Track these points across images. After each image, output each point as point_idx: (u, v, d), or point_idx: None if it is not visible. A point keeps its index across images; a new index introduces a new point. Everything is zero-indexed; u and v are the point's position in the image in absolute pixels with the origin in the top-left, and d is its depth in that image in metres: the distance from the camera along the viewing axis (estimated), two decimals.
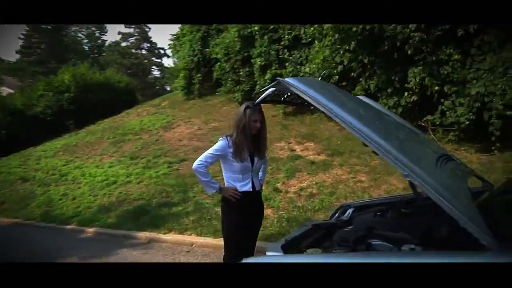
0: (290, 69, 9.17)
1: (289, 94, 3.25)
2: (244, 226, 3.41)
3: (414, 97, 6.81)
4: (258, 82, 10.46)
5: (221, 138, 3.38)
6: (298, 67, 8.97)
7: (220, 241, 5.45)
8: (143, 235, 6.06)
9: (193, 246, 5.60)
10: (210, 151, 3.34)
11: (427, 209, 3.31)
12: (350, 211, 3.63)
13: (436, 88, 6.43)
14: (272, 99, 3.49)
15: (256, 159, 3.43)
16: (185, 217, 6.20)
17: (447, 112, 6.46)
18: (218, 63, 12.10)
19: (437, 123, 6.90)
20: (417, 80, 6.49)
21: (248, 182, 3.42)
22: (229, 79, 11.87)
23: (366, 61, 7.22)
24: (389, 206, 3.49)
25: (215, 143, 3.35)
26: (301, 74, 8.95)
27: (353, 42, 6.86)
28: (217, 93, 13.23)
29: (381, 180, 6.40)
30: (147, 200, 7.13)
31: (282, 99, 3.35)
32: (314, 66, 8.15)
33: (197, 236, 5.73)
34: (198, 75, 13.57)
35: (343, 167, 7.02)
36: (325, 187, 6.47)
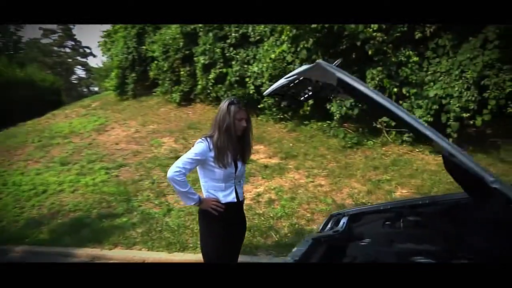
0: (237, 68, 8.65)
1: (314, 84, 2.64)
2: (228, 240, 2.87)
3: None
4: (199, 82, 9.83)
5: (200, 140, 2.79)
6: (245, 66, 8.48)
7: (175, 256, 4.85)
8: (84, 252, 5.19)
9: (144, 262, 4.90)
10: (188, 155, 2.73)
11: (435, 215, 2.98)
12: (344, 220, 3.21)
13: (395, 89, 6.26)
14: (277, 93, 2.93)
15: (239, 164, 2.88)
16: (131, 230, 5.43)
17: None
18: (155, 62, 11.28)
19: (393, 124, 6.76)
20: (376, 82, 6.29)
21: (231, 191, 2.88)
22: (167, 78, 11.10)
23: (321, 60, 6.90)
24: (391, 214, 3.11)
25: (193, 147, 2.76)
26: (249, 73, 8.49)
27: (311, 39, 6.50)
28: (153, 94, 12.36)
29: (342, 183, 6.10)
30: (85, 212, 6.22)
31: (291, 92, 2.79)
32: (265, 65, 7.71)
33: (148, 250, 5.01)
34: (133, 74, 12.58)
35: (299, 170, 6.65)
36: (284, 192, 6.03)
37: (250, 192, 6.17)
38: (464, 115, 5.92)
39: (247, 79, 8.36)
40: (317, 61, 1.91)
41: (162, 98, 11.96)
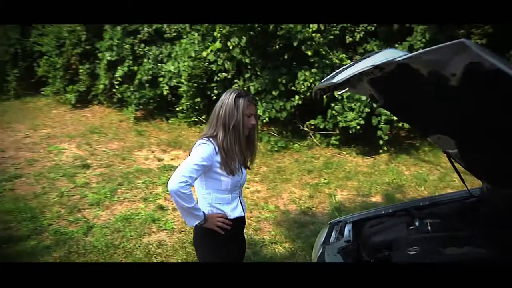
0: (149, 66, 7.74)
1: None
2: (233, 259, 2.33)
3: (300, 101, 6.34)
4: (101, 82, 8.65)
5: (202, 141, 2.13)
6: (159, 64, 7.62)
7: None
8: None
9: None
10: (193, 161, 2.05)
11: (450, 216, 2.72)
12: (348, 228, 2.76)
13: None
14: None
15: (243, 169, 2.27)
16: (46, 255, 4.29)
17: (338, 117, 6.16)
18: (46, 57, 9.71)
19: (321, 127, 6.58)
20: (309, 83, 6.03)
21: (237, 203, 2.30)
22: (59, 77, 9.63)
23: (247, 60, 6.43)
24: (402, 218, 2.75)
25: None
26: (163, 72, 7.66)
27: (244, 38, 5.98)
28: (41, 93, 10.63)
29: (279, 188, 5.68)
30: None
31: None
32: (185, 63, 6.98)
33: None
34: (15, 70, 10.66)
35: None
36: None
37: None
38: (394, 118, 5.97)
39: (160, 79, 7.52)
40: (462, 40, 1.36)
41: (53, 98, 10.34)
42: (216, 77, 6.90)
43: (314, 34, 5.70)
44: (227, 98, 2.18)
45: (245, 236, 4.39)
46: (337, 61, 5.95)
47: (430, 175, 6.01)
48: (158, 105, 7.74)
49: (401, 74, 1.88)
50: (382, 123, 6.00)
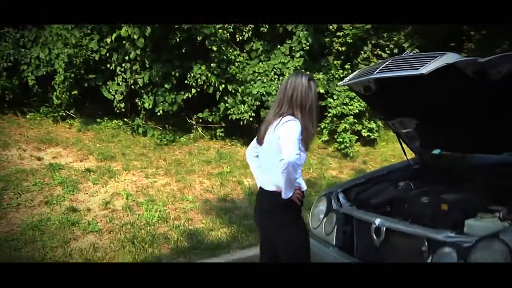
0: (9, 51, 6.31)
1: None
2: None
3: (191, 94, 6.31)
4: None
5: (291, 118, 2.20)
6: (22, 50, 6.36)
7: None
8: None
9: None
10: (296, 135, 2.18)
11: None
12: (342, 196, 3.11)
13: (222, 86, 6.21)
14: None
15: None
16: None
17: (231, 109, 6.36)
18: None
19: (210, 120, 6.69)
20: (204, 78, 6.05)
21: (301, 177, 2.39)
22: None
23: (138, 52, 6.03)
24: (390, 180, 3.24)
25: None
26: (27, 59, 6.37)
27: (149, 28, 5.55)
28: None
29: (187, 180, 5.59)
30: None
31: None
32: (63, 51, 6.06)
33: None
34: None
35: (131, 171, 5.63)
36: (135, 196, 5.03)
37: (89, 201, 4.82)
38: None
39: (24, 67, 6.32)
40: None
41: None
42: (98, 67, 6.23)
43: (220, 30, 5.78)
44: (301, 80, 2.26)
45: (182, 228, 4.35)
46: (232, 57, 6.17)
47: (311, 158, 6.85)
48: (14, 97, 6.46)
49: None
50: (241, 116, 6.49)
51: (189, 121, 6.81)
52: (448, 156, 3.53)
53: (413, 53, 2.61)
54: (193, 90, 6.13)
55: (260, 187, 2.39)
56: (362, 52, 7.61)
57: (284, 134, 2.13)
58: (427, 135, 3.40)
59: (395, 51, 7.51)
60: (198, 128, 6.86)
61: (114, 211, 4.67)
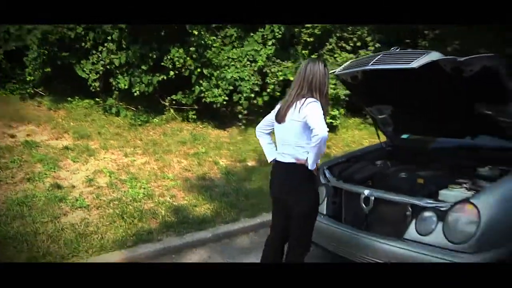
0: None
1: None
2: None
3: (167, 77, 6.40)
4: None
5: (313, 100, 2.47)
6: None
7: None
8: None
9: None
10: (321, 114, 2.42)
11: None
12: (328, 172, 3.47)
13: (198, 70, 6.35)
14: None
15: None
16: None
17: (206, 93, 6.52)
18: None
19: (183, 102, 6.82)
20: (182, 61, 6.16)
21: None
22: None
23: (116, 32, 6.01)
24: (361, 161, 3.63)
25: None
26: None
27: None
28: None
29: (165, 159, 5.73)
30: None
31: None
32: (40, 28, 5.89)
33: None
34: None
35: (110, 150, 5.69)
36: (118, 174, 5.12)
37: (71, 179, 4.85)
38: (252, 95, 6.81)
39: None
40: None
41: None
42: (72, 45, 6.14)
43: None
44: (319, 67, 2.52)
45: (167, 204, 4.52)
46: (209, 42, 6.31)
47: None
48: None
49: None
50: (242, 100, 6.74)
51: (162, 102, 6.88)
52: (415, 140, 4.01)
53: (398, 49, 2.96)
54: (171, 73, 6.22)
55: (278, 161, 2.64)
56: (327, 43, 8.02)
57: (312, 113, 2.38)
58: (400, 121, 3.84)
59: (358, 44, 7.99)
60: (171, 110, 6.95)
61: (99, 188, 4.75)
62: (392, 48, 3.03)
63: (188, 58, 6.16)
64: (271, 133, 2.84)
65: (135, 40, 6.11)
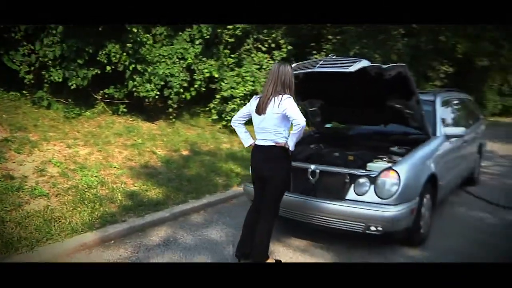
0: None
1: None
2: None
3: (100, 71, 6.58)
4: None
5: (289, 96, 3.23)
6: None
7: None
8: None
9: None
10: (297, 107, 3.20)
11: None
12: None
13: (133, 66, 6.63)
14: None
15: None
16: None
17: (140, 87, 6.83)
18: None
19: (115, 96, 7.04)
20: (118, 56, 6.41)
21: None
22: None
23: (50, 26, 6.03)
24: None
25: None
26: None
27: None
28: None
29: (107, 150, 6.01)
30: None
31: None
32: None
33: None
34: None
35: (51, 142, 5.75)
36: (66, 164, 5.28)
37: (20, 170, 4.91)
38: (181, 90, 7.30)
39: None
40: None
41: None
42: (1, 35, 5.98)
43: None
44: (288, 69, 3.26)
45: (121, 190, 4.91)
46: (144, 39, 6.62)
47: (205, 134, 7.79)
48: None
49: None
50: (172, 95, 7.19)
51: (94, 96, 7.01)
52: (336, 128, 5.03)
53: (335, 56, 3.86)
54: (108, 67, 6.43)
55: (258, 145, 3.35)
56: (245, 44, 8.81)
57: (290, 107, 3.11)
58: (327, 113, 4.81)
59: (273, 45, 8.95)
60: (102, 103, 7.12)
61: (52, 177, 4.92)
62: (329, 55, 3.94)
63: (124, 54, 6.43)
64: (245, 124, 3.53)
65: (71, 34, 6.18)
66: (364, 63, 3.59)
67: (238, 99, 8.16)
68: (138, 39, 6.51)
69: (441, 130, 4.46)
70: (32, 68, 6.25)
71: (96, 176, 5.16)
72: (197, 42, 7.51)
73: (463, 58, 11.35)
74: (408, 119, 4.31)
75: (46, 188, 4.67)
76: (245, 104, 8.03)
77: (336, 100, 4.39)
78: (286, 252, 3.83)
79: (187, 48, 7.36)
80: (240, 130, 3.56)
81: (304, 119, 3.13)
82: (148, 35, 6.84)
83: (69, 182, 4.90)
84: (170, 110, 7.42)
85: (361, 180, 3.56)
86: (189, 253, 3.82)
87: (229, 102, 8.18)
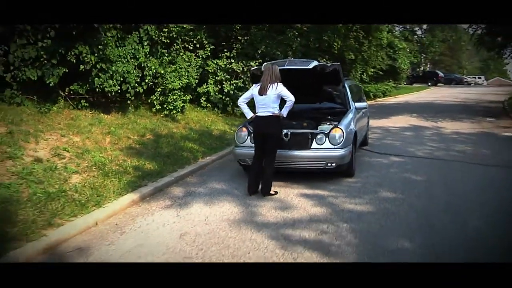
0: None
1: None
2: None
3: (83, 70, 7.48)
4: None
5: (280, 84, 5.14)
6: None
7: None
8: None
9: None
10: (287, 90, 5.12)
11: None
12: (250, 126, 6.16)
13: (100, 64, 7.64)
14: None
15: None
16: None
17: (105, 83, 7.85)
18: None
19: (80, 92, 7.95)
20: (89, 56, 7.38)
21: None
22: None
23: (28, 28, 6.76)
24: None
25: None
26: None
27: None
28: None
29: (93, 137, 7.01)
30: None
31: None
32: None
33: None
34: None
35: (45, 132, 6.55)
36: (71, 149, 6.25)
37: (41, 154, 5.81)
38: (136, 85, 8.51)
39: None
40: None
41: None
42: None
43: None
44: (276, 68, 5.23)
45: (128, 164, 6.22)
46: (107, 41, 7.64)
47: (155, 121, 9.09)
48: None
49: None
50: (129, 89, 8.34)
51: (60, 92, 7.82)
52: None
53: (293, 59, 5.88)
54: (82, 66, 7.39)
55: (260, 115, 5.24)
56: (175, 44, 10.26)
57: (284, 90, 5.13)
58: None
59: (198, 45, 10.55)
60: (68, 99, 7.96)
61: (70, 159, 5.94)
62: (289, 57, 5.95)
63: (90, 55, 7.46)
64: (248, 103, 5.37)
65: (44, 36, 6.95)
66: (315, 62, 5.72)
67: (177, 91, 9.63)
68: (104, 41, 7.57)
69: (353, 104, 6.85)
70: (12, 68, 6.87)
71: (102, 156, 6.31)
72: (145, 43, 8.78)
73: (338, 53, 14.46)
74: (335, 98, 6.60)
75: (73, 167, 5.72)
76: (181, 95, 9.58)
77: (293, 86, 6.43)
78: (278, 188, 5.70)
79: (138, 49, 8.59)
80: (245, 107, 5.43)
81: (293, 97, 5.11)
82: (110, 36, 7.90)
83: (85, 162, 5.99)
84: (128, 102, 8.58)
85: (319, 136, 5.69)
86: (210, 196, 5.49)
87: (169, 94, 9.60)
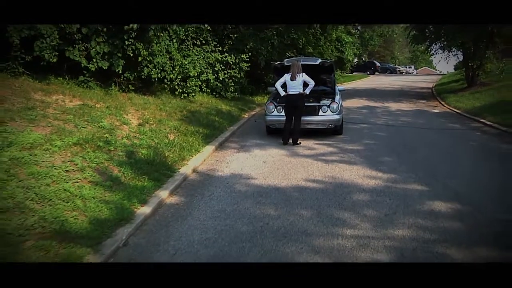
0: None
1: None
2: None
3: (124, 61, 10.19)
4: None
5: (305, 74, 8.51)
6: None
7: None
8: None
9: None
10: (310, 77, 8.49)
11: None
12: (275, 101, 9.50)
13: (149, 58, 10.43)
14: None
15: None
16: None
17: (152, 72, 10.63)
18: None
19: (130, 78, 10.70)
20: (143, 51, 10.16)
21: None
22: None
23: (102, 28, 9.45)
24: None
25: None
26: None
27: None
28: None
29: (151, 111, 9.82)
30: None
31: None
32: None
33: None
34: None
35: (120, 109, 9.28)
36: (141, 126, 9.09)
37: (137, 122, 8.62)
38: (170, 74, 11.38)
39: None
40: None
41: None
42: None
43: None
44: (299, 62, 8.63)
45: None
46: (153, 38, 10.41)
47: (180, 102, 11.99)
48: None
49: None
50: (167, 76, 11.19)
51: (115, 79, 10.53)
52: None
53: (303, 57, 9.32)
54: (140, 58, 10.14)
55: (291, 94, 8.66)
56: (186, 40, 13.18)
57: (307, 77, 8.61)
58: None
59: (203, 42, 13.54)
60: (120, 84, 10.70)
61: (156, 124, 8.81)
62: (301, 56, 9.40)
63: (143, 50, 10.27)
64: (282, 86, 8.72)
65: (111, 35, 9.64)
66: (320, 59, 9.24)
67: (193, 78, 12.62)
68: (156, 39, 10.41)
69: (337, 87, 10.42)
70: (94, 60, 9.49)
71: (173, 124, 9.22)
72: (174, 40, 11.67)
73: (301, 48, 18.10)
74: (327, 83, 10.15)
75: (163, 129, 8.62)
76: (196, 81, 12.61)
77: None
78: (300, 140, 9.02)
79: (170, 45, 11.46)
80: (280, 88, 8.75)
81: (313, 82, 8.56)
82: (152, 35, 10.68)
83: (167, 127, 8.89)
84: (165, 86, 11.48)
85: (323, 107, 9.17)
86: (258, 146, 8.75)
87: (188, 80, 12.56)
